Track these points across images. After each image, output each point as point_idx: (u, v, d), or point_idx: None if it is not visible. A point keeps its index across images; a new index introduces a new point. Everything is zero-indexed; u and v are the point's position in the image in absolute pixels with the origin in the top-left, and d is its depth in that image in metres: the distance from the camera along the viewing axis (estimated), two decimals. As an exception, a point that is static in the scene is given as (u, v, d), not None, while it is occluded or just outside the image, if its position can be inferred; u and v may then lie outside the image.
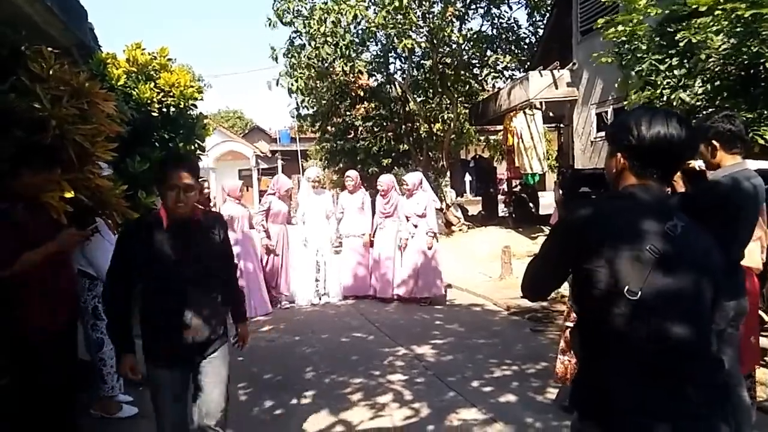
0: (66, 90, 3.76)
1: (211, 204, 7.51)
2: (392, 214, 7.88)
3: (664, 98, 5.02)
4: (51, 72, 3.78)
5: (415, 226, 7.62)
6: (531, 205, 14.05)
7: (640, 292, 1.44)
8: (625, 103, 7.37)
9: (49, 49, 3.93)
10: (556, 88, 10.22)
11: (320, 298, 7.92)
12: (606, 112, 8.83)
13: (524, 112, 11.24)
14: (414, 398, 4.43)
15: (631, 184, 1.60)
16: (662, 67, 4.94)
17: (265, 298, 7.50)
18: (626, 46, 5.26)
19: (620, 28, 5.20)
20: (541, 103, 10.80)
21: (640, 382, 1.46)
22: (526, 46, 13.60)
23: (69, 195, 3.56)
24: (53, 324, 3.11)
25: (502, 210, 14.66)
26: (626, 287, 1.45)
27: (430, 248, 7.57)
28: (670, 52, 4.94)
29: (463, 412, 4.12)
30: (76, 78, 3.84)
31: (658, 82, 5.02)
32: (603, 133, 9.05)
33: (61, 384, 3.19)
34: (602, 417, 1.48)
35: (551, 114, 11.89)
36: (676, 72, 4.93)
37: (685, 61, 4.85)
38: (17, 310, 2.98)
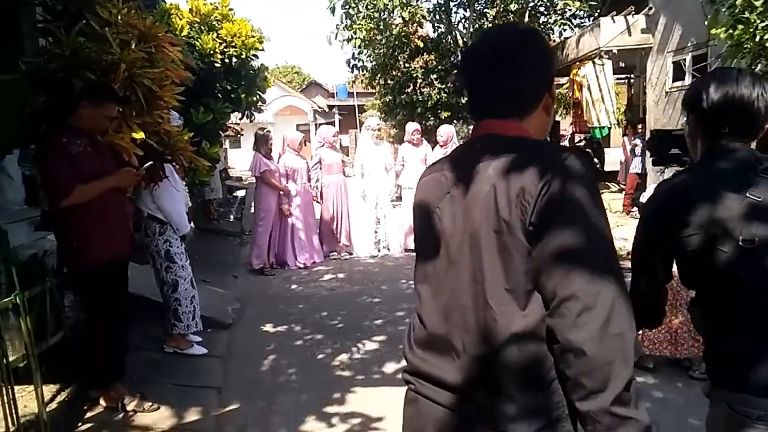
0: (134, 34, 3.78)
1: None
2: (451, 166, 7.71)
3: (756, 38, 4.60)
4: (119, 16, 3.81)
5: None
6: (596, 160, 13.50)
7: (756, 239, 1.38)
8: (711, 43, 6.84)
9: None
10: (630, 35, 9.61)
11: (379, 251, 7.92)
12: (684, 60, 8.25)
13: (593, 62, 10.67)
14: (477, 349, 4.37)
15: (710, 147, 1.56)
16: (758, 3, 4.50)
17: (317, 248, 7.61)
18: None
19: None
20: (610, 52, 10.22)
21: None
22: (596, -8, 12.82)
23: (138, 136, 3.62)
24: (110, 256, 3.21)
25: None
26: (740, 238, 1.39)
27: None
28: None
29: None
30: (142, 22, 3.85)
31: (752, 21, 4.59)
32: (679, 83, 8.49)
33: (117, 312, 3.32)
34: (737, 385, 1.43)
35: (621, 64, 11.27)
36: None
37: (784, -4, 4.41)
38: (75, 240, 3.10)
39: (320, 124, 31.19)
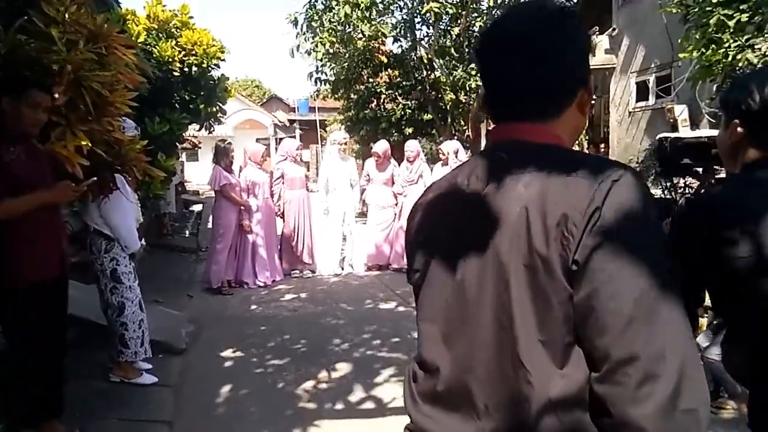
0: (82, 34, 3.46)
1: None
2: (416, 182, 7.54)
3: (729, 58, 4.58)
4: (67, 14, 3.49)
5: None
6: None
7: None
8: (675, 64, 6.96)
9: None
10: (594, 56, 9.68)
11: (343, 269, 7.65)
12: (647, 81, 8.34)
13: (557, 81, 10.70)
14: (449, 375, 4.14)
15: (755, 157, 1.32)
16: (731, 23, 4.48)
17: (278, 266, 7.31)
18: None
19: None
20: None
21: None
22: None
23: (84, 143, 3.29)
24: (40, 276, 2.86)
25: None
26: None
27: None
28: (741, 7, 4.48)
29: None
30: (92, 21, 3.54)
31: (724, 41, 4.57)
32: (643, 103, 8.57)
33: (50, 339, 2.97)
34: None
35: (584, 84, 11.36)
36: (745, 29, 4.48)
37: (757, 17, 4.40)
38: (3, 259, 2.73)
39: (281, 139, 30.90)
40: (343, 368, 4.35)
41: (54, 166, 3.15)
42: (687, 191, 6.62)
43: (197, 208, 15.42)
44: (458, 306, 0.97)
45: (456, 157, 7.40)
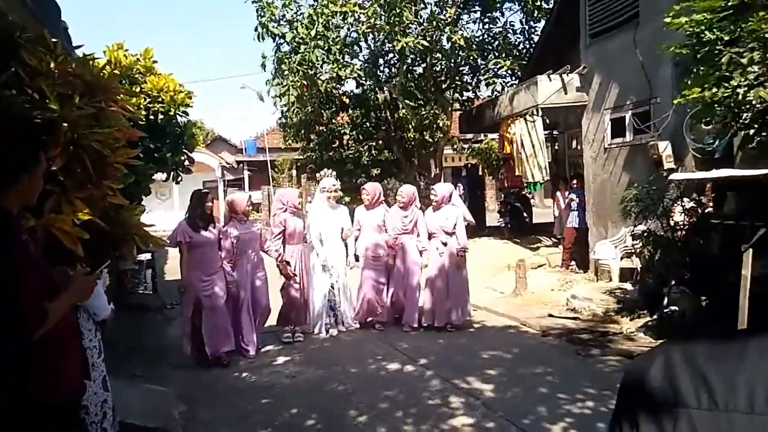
0: (76, 86, 3.01)
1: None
2: (411, 231, 7.11)
3: (740, 96, 4.54)
4: (53, 65, 3.04)
5: (444, 244, 6.94)
6: (525, 214, 13.63)
7: None
8: (653, 101, 7.11)
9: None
10: (566, 93, 9.77)
11: (337, 323, 7.05)
12: (623, 118, 8.42)
13: (525, 119, 10.76)
14: (493, 449, 3.76)
15: None
16: (744, 61, 4.45)
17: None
18: (699, 38, 4.73)
19: (695, 16, 4.66)
20: (541, 109, 10.35)
21: None
22: (518, 53, 13.16)
23: (85, 214, 2.82)
24: (72, 390, 2.33)
25: (497, 220, 14.17)
26: None
27: (460, 269, 6.92)
28: (750, 45, 4.47)
29: (561, 467, 3.47)
30: (89, 71, 3.10)
31: (735, 79, 4.53)
32: (620, 139, 8.64)
33: None
34: None
35: (547, 121, 11.47)
36: (755, 67, 4.46)
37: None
38: (38, 375, 2.14)
39: (229, 181, 30.10)
40: (370, 448, 3.89)
41: (47, 244, 2.64)
42: (685, 227, 6.58)
43: (146, 257, 14.43)
44: None
45: (450, 201, 7.12)
